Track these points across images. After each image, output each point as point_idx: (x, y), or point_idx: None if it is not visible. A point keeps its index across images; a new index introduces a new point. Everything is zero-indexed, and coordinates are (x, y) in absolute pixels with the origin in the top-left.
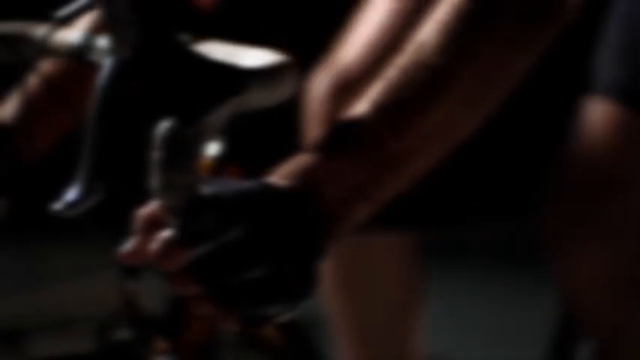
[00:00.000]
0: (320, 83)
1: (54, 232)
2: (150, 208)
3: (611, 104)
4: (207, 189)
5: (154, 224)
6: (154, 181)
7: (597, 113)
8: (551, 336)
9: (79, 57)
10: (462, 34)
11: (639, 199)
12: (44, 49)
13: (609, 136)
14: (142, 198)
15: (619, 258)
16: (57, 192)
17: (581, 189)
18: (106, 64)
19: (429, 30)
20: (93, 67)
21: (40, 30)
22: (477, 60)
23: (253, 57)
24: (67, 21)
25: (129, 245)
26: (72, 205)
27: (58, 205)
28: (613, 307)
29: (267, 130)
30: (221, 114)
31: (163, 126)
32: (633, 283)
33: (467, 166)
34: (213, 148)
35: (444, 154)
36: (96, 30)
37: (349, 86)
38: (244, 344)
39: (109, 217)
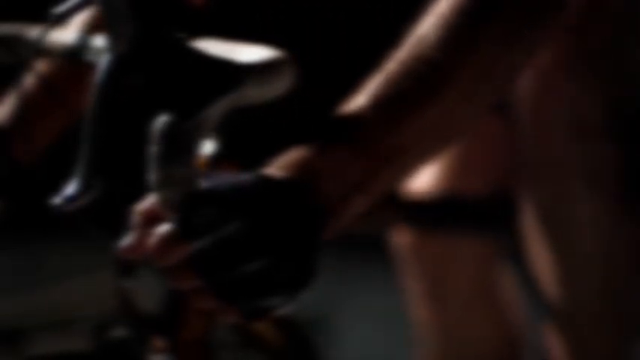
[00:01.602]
0: None
1: (54, 232)
2: (148, 202)
3: None
4: (205, 183)
5: (152, 219)
6: (152, 175)
7: None
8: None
9: (75, 57)
10: (461, 29)
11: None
12: (40, 49)
13: None
14: (141, 194)
15: None
16: (56, 191)
17: None
18: (104, 59)
19: (429, 24)
20: (89, 67)
21: (35, 30)
22: (476, 55)
23: (250, 53)
24: (63, 18)
25: (127, 240)
26: (71, 199)
27: (57, 200)
28: None
29: (264, 128)
30: (218, 109)
31: (161, 121)
32: None
33: None
34: (208, 147)
35: (442, 148)
36: (91, 29)
37: None
38: (243, 344)
39: (107, 217)
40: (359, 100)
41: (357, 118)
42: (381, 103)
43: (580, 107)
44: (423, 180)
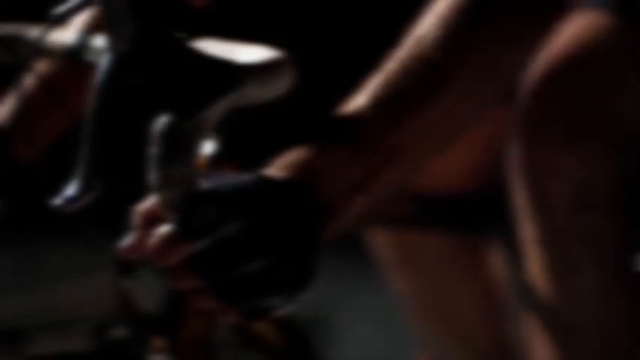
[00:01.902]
0: None
1: (54, 232)
2: (148, 203)
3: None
4: (205, 183)
5: (152, 219)
6: (152, 176)
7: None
8: None
9: (75, 57)
10: (461, 28)
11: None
12: (40, 49)
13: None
14: (141, 194)
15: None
16: (56, 191)
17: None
18: (104, 60)
19: (428, 24)
20: (89, 67)
21: (35, 30)
22: (475, 55)
23: (250, 53)
24: (63, 19)
25: (128, 241)
26: (71, 200)
27: (57, 201)
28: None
29: (263, 128)
30: (218, 109)
31: (161, 121)
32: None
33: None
34: (208, 147)
35: (442, 148)
36: (92, 29)
37: None
38: (243, 344)
39: (108, 217)
40: (359, 100)
41: (356, 118)
42: (381, 103)
43: (580, 178)
44: None
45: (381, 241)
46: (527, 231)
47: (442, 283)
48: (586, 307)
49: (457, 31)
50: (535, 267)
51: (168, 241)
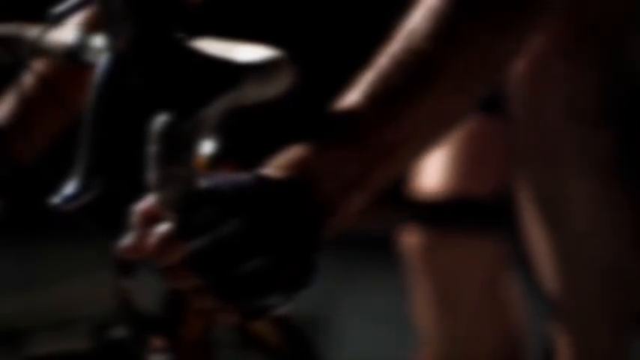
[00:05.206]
0: None
1: (54, 232)
2: (147, 202)
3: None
4: (204, 182)
5: (151, 219)
6: (151, 175)
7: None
8: (546, 336)
9: (74, 57)
10: (451, 19)
11: None
12: (39, 49)
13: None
14: (140, 194)
15: None
16: (56, 191)
17: None
18: (103, 59)
19: (418, 16)
20: (88, 66)
21: (34, 30)
22: (466, 45)
23: (249, 52)
24: (61, 19)
25: (127, 240)
26: (69, 199)
27: (55, 200)
28: None
29: (262, 127)
30: (217, 108)
31: (160, 120)
32: None
33: None
34: (208, 146)
35: (438, 140)
36: (90, 27)
37: None
38: (243, 344)
39: (107, 216)
40: (353, 96)
41: (352, 114)
42: (376, 98)
43: (574, 90)
44: (435, 180)
45: (414, 251)
46: (524, 154)
47: (470, 311)
48: (583, 220)
49: (447, 22)
50: (531, 188)
51: (167, 241)
